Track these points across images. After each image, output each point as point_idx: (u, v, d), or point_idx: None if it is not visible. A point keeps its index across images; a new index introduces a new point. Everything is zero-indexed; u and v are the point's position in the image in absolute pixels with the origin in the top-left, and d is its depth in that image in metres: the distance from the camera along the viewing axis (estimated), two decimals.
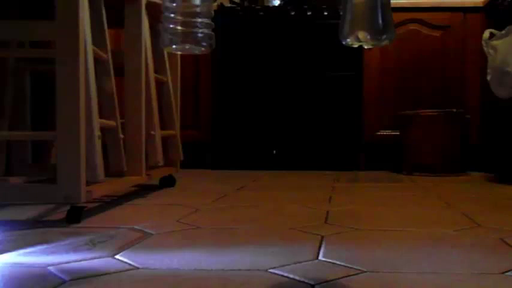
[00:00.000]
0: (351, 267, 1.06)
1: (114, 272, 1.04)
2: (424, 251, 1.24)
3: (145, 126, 2.10)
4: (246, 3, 3.70)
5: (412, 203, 2.05)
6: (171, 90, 2.43)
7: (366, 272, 1.03)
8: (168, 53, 2.44)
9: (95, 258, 1.14)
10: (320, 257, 1.15)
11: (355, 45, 0.87)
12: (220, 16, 3.41)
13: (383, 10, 0.85)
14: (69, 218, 1.55)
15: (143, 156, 2.08)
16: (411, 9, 3.38)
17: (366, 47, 0.90)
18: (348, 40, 0.86)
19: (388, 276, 1.02)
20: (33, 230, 1.46)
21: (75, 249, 1.23)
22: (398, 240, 1.36)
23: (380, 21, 0.85)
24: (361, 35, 0.85)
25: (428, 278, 1.01)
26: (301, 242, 1.32)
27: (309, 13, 3.40)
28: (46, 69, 2.05)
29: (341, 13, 0.88)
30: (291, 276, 1.01)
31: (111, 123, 1.84)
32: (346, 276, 1.01)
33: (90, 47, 1.62)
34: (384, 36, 0.85)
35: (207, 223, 1.59)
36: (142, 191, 2.29)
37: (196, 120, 3.45)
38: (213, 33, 0.96)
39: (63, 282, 0.97)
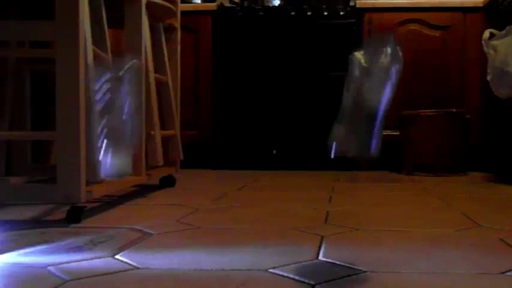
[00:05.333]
0: (351, 267, 1.06)
1: (114, 272, 1.04)
2: (424, 251, 1.24)
3: (145, 126, 2.10)
4: (246, 3, 3.70)
5: (412, 203, 2.05)
6: (171, 90, 2.43)
7: (366, 272, 1.04)
8: (168, 53, 2.44)
9: (95, 258, 1.14)
10: (320, 257, 1.15)
11: None
12: (220, 16, 3.41)
13: None
14: (69, 218, 1.55)
15: (143, 156, 2.08)
16: (411, 9, 3.37)
17: None
18: None
19: (388, 276, 1.02)
20: (33, 230, 1.46)
21: (75, 249, 1.23)
22: (398, 240, 1.36)
23: None
24: None
25: (428, 278, 1.01)
26: (301, 242, 1.32)
27: (309, 13, 3.40)
28: (46, 69, 2.05)
29: None
30: (291, 276, 1.01)
31: None
32: (346, 276, 1.01)
33: (90, 47, 1.62)
34: None
35: (207, 223, 1.59)
36: (143, 191, 2.29)
37: (196, 120, 3.45)
38: None
39: (63, 282, 0.97)
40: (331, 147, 1.12)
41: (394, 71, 1.11)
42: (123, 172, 1.23)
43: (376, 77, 1.11)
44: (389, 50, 1.10)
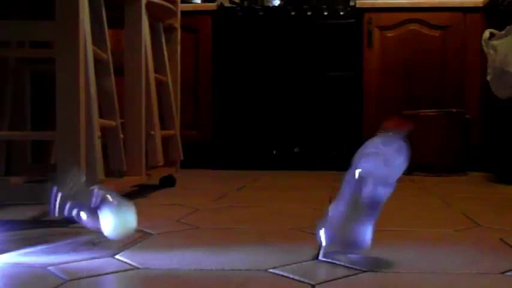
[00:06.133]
0: (351, 267, 1.06)
1: (114, 272, 1.04)
2: (424, 251, 1.24)
3: (145, 126, 2.10)
4: (246, 3, 3.70)
5: (412, 203, 2.05)
6: (171, 90, 2.43)
7: (366, 272, 1.03)
8: (168, 53, 2.44)
9: (95, 258, 1.14)
10: (320, 257, 1.15)
11: None
12: (220, 16, 3.42)
13: None
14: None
15: (143, 156, 2.08)
16: (411, 9, 3.37)
17: None
18: None
19: (388, 276, 1.02)
20: (33, 230, 1.46)
21: (75, 249, 1.23)
22: (398, 240, 1.36)
23: None
24: None
25: (428, 278, 1.01)
26: (301, 242, 1.32)
27: (309, 13, 3.40)
28: (46, 69, 2.04)
29: None
30: (291, 276, 1.01)
31: (111, 123, 1.84)
32: (346, 276, 1.01)
33: (90, 47, 1.62)
34: None
35: (207, 223, 1.59)
36: (143, 191, 2.29)
37: (196, 120, 3.45)
38: None
39: (63, 282, 0.97)
40: (320, 235, 1.13)
41: (398, 171, 1.14)
42: (123, 230, 1.21)
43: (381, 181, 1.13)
44: (395, 154, 1.12)
